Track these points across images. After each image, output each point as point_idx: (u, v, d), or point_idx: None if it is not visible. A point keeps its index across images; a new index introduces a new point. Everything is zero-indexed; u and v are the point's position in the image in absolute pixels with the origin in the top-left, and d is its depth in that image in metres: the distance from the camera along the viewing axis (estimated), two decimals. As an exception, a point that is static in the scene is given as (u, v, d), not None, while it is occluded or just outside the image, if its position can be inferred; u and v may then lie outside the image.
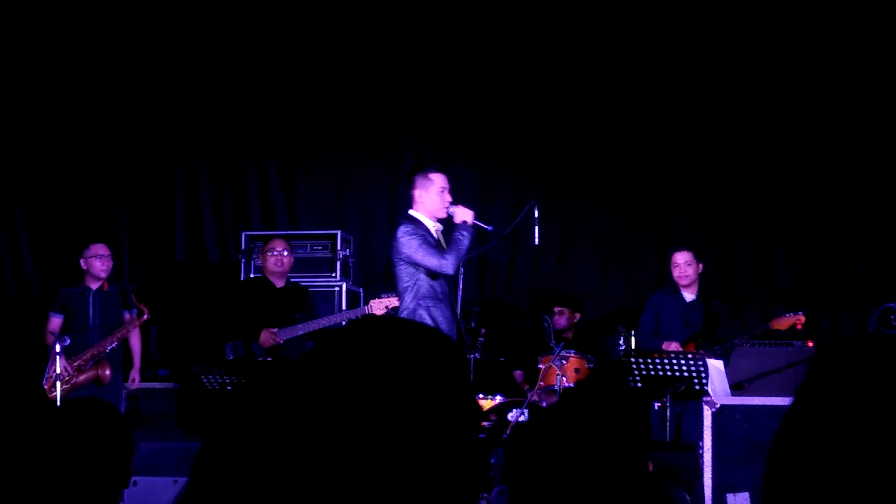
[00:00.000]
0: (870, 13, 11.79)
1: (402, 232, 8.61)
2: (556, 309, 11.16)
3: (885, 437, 1.62)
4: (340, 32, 12.51)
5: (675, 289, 10.14)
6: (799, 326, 9.85)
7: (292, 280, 10.28)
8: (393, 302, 9.57)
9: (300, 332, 9.73)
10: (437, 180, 8.88)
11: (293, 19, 12.57)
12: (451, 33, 12.41)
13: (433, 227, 8.76)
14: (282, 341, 9.75)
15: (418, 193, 8.85)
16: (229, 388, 9.35)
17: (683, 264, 10.04)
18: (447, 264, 8.42)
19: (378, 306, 9.57)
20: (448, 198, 8.81)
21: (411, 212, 8.86)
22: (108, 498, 3.17)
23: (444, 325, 8.52)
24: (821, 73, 11.91)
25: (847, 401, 1.67)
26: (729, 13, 12.06)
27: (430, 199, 8.83)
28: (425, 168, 9.05)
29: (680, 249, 10.17)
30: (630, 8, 12.22)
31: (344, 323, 10.82)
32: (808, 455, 1.68)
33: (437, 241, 8.71)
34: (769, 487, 1.73)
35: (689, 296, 10.08)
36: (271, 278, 10.11)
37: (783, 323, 9.77)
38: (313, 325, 9.72)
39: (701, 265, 10.13)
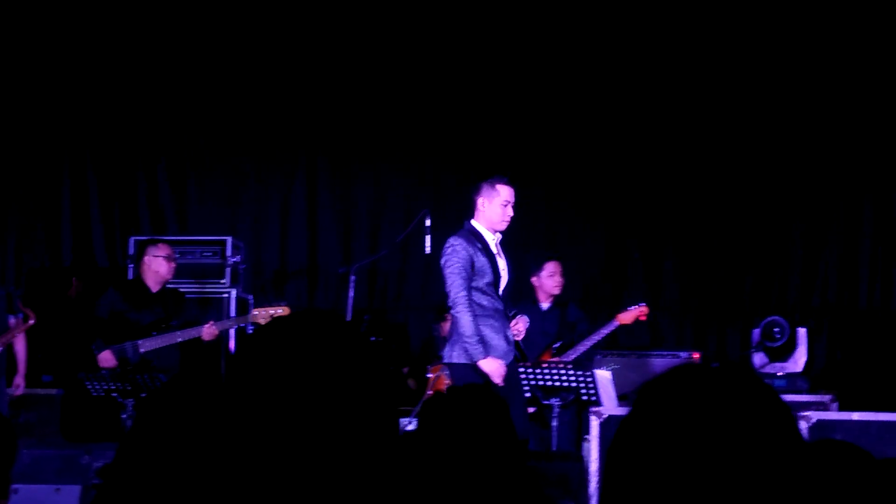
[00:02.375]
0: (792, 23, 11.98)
1: (450, 244, 8.39)
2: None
3: (696, 459, 1.69)
4: (233, 39, 12.43)
5: (533, 300, 10.25)
6: (643, 318, 9.98)
7: (169, 285, 10.17)
8: (279, 312, 9.50)
9: (178, 339, 9.65)
10: (503, 192, 8.59)
11: (185, 25, 12.46)
12: (344, 40, 12.39)
13: (492, 239, 8.55)
14: (115, 365, 9.62)
15: (481, 202, 8.58)
16: (114, 394, 9.24)
17: (559, 273, 10.18)
18: (456, 302, 8.26)
19: (263, 315, 9.50)
20: (510, 212, 8.56)
21: (473, 222, 8.58)
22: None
23: (494, 341, 8.31)
24: (713, 85, 12.07)
25: (664, 422, 1.76)
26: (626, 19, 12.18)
27: (492, 211, 8.56)
28: (494, 177, 8.73)
29: (553, 259, 10.28)
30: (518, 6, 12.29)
31: (231, 330, 10.78)
32: (631, 471, 1.76)
33: (495, 254, 8.56)
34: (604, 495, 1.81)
35: (545, 304, 10.21)
36: (149, 282, 9.99)
37: (628, 317, 9.89)
38: (194, 333, 9.61)
39: None
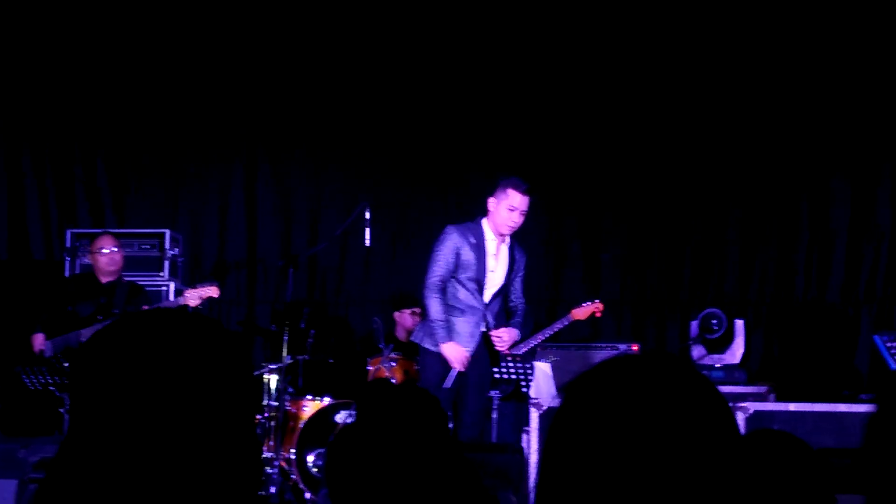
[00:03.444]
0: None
1: (443, 231, 8.78)
2: (410, 311, 11.17)
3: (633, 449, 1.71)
4: (172, 30, 12.36)
5: None
6: (598, 314, 10.02)
7: (126, 279, 10.13)
8: (209, 291, 9.51)
9: None
10: (512, 198, 8.74)
11: (124, 15, 12.36)
12: (283, 32, 12.35)
13: (493, 238, 8.74)
14: (46, 353, 9.60)
15: (492, 202, 8.80)
16: (52, 388, 9.19)
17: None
18: (426, 286, 8.62)
19: (193, 296, 9.51)
20: (515, 219, 8.71)
21: (484, 218, 8.84)
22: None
23: (458, 327, 8.63)
24: (650, 77, 12.13)
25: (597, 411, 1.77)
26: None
27: (498, 213, 8.77)
28: (511, 178, 8.91)
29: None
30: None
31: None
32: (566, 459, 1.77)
33: (488, 253, 8.75)
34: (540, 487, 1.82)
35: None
36: (98, 275, 9.98)
37: (582, 312, 9.92)
38: None
39: None
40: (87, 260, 10.41)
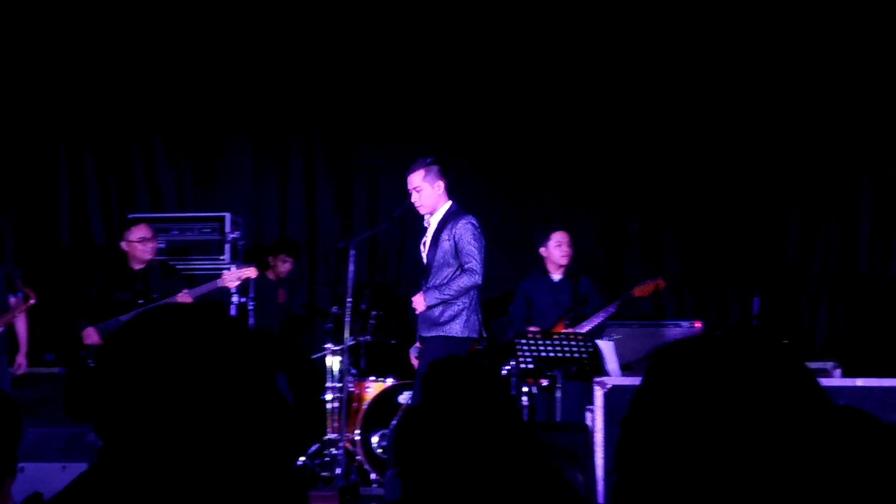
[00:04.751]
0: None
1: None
2: None
3: (706, 428, 1.69)
4: (230, 15, 12.38)
5: (543, 271, 10.21)
6: (660, 290, 9.97)
7: (157, 260, 10.18)
8: (246, 273, 9.54)
9: None
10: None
11: (182, 2, 12.41)
12: (340, 13, 12.35)
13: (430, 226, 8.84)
14: (96, 342, 9.71)
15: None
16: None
17: (566, 244, 10.11)
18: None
19: (231, 278, 9.54)
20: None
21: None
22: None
23: None
24: (700, 57, 12.04)
25: (675, 391, 1.75)
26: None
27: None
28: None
29: (560, 229, 10.21)
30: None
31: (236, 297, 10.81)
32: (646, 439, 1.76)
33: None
34: (619, 463, 1.81)
35: (556, 276, 10.15)
36: (131, 262, 10.03)
37: (645, 289, 9.86)
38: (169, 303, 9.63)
39: None
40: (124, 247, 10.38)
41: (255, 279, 10.39)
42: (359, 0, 12.37)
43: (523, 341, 8.92)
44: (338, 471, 9.36)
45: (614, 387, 8.25)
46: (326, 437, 10.13)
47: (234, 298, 10.89)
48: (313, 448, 10.14)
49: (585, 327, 9.66)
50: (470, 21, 12.26)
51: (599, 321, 9.79)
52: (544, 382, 9.35)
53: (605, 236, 12.23)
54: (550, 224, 10.41)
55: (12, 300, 9.96)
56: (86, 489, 1.96)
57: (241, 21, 12.39)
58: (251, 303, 11.01)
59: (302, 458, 10.01)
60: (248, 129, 12.56)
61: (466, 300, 8.57)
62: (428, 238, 8.79)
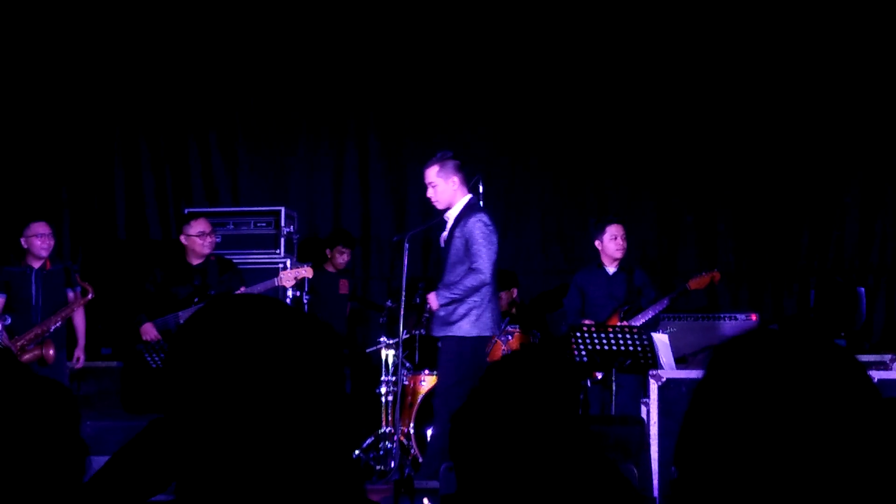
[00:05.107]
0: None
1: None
2: (506, 292, 11.17)
3: (771, 426, 1.69)
4: (284, 11, 12.42)
5: (598, 263, 10.17)
6: (716, 282, 9.90)
7: (215, 255, 10.22)
8: (303, 272, 9.56)
9: None
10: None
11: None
12: (392, 12, 12.36)
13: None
14: (155, 338, 9.75)
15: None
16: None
17: (621, 237, 10.06)
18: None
19: (287, 277, 9.57)
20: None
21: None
22: (72, 472, 3.14)
23: None
24: (758, 51, 11.96)
25: (738, 388, 1.75)
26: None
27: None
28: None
29: (615, 222, 10.17)
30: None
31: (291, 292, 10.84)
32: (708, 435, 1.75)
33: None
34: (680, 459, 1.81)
35: (611, 269, 10.11)
36: (189, 257, 10.08)
37: (700, 282, 9.79)
38: None
39: None
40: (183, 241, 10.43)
41: (315, 273, 10.42)
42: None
43: (578, 334, 8.89)
44: (392, 464, 9.38)
45: (669, 380, 8.23)
46: (381, 431, 10.15)
47: (290, 293, 10.92)
48: (368, 441, 10.16)
49: (640, 320, 9.62)
50: (528, 17, 12.23)
51: (654, 314, 9.75)
52: (599, 375, 9.33)
53: (661, 229, 12.19)
54: (606, 217, 10.36)
55: (70, 295, 10.05)
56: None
57: (299, 16, 12.42)
58: (306, 296, 11.04)
59: (357, 452, 10.03)
60: (304, 124, 12.60)
61: (477, 298, 8.57)
62: (446, 234, 8.80)
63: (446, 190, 8.73)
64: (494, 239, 8.64)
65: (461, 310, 8.56)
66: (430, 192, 8.79)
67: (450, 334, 8.60)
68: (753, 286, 12.14)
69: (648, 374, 8.36)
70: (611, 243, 10.05)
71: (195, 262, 10.07)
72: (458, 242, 8.62)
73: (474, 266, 8.51)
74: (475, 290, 8.53)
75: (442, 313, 8.64)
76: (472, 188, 9.34)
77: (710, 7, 12.03)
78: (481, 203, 9.46)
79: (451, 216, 8.78)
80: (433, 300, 8.66)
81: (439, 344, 8.80)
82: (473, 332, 8.57)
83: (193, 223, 10.15)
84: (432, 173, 8.75)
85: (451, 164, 8.78)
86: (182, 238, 10.17)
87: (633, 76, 12.14)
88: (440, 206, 8.82)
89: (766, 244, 12.08)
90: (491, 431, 3.12)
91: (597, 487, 3.27)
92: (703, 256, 12.03)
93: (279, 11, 12.43)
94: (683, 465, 1.77)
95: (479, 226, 8.55)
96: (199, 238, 10.04)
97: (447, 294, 8.57)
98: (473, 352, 8.63)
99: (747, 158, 12.00)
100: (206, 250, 10.08)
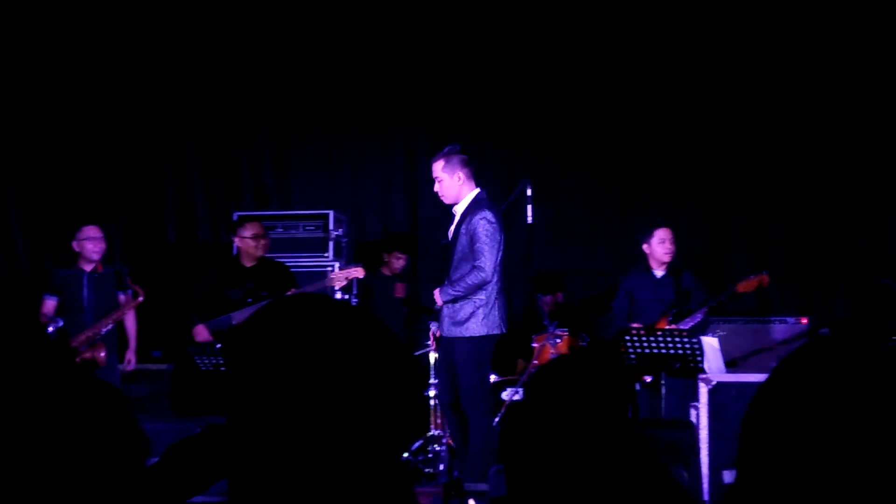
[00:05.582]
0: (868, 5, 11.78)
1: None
2: (551, 295, 11.17)
3: (839, 434, 1.68)
4: (332, 15, 12.47)
5: (646, 267, 10.11)
6: (764, 285, 9.81)
7: (267, 258, 10.27)
8: (354, 273, 9.57)
9: None
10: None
11: (285, 3, 12.52)
12: (441, 15, 12.37)
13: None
14: (206, 339, 9.79)
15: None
16: (223, 368, 9.34)
17: (669, 241, 10.00)
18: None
19: (339, 277, 9.58)
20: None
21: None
22: (131, 470, 3.16)
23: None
24: (813, 52, 11.89)
25: (804, 397, 1.75)
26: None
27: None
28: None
29: (664, 225, 10.11)
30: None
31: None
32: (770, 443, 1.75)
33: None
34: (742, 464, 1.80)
35: (659, 272, 10.05)
36: (242, 259, 10.13)
37: (749, 285, 9.69)
38: None
39: None
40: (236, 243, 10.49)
41: (371, 276, 10.43)
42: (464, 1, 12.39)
43: (627, 337, 8.86)
44: (441, 467, 9.38)
45: (719, 384, 8.19)
46: (430, 434, 10.16)
47: (338, 296, 10.95)
48: (416, 444, 10.17)
49: (688, 323, 9.57)
50: (576, 22, 12.22)
51: (702, 317, 9.69)
52: (647, 379, 9.29)
53: (710, 231, 12.13)
54: (653, 221, 10.31)
55: (121, 297, 10.12)
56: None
57: (348, 21, 12.46)
58: (354, 299, 11.07)
59: (405, 455, 10.05)
60: (353, 127, 12.63)
61: (483, 297, 8.50)
62: (454, 229, 8.73)
63: (452, 185, 8.67)
64: (499, 237, 8.57)
65: (467, 309, 8.49)
66: (436, 187, 8.73)
67: (460, 335, 8.52)
68: (804, 289, 12.06)
69: (698, 377, 8.33)
70: (659, 247, 9.99)
71: (248, 264, 10.12)
72: (463, 239, 8.55)
73: (477, 264, 8.43)
74: (477, 287, 8.45)
75: (448, 312, 8.58)
76: (519, 193, 9.34)
77: (766, 7, 11.96)
78: (529, 207, 9.46)
79: (458, 211, 8.71)
80: (438, 296, 8.62)
81: (449, 344, 8.66)
82: (483, 332, 8.49)
83: (247, 226, 10.19)
84: (438, 168, 8.72)
85: (457, 158, 8.72)
86: (235, 240, 10.23)
87: (684, 79, 12.10)
88: (447, 201, 8.74)
89: (817, 246, 11.99)
90: (542, 434, 3.12)
91: (648, 491, 3.26)
92: (753, 258, 11.96)
93: (329, 18, 12.47)
94: (743, 470, 1.77)
95: (482, 223, 8.47)
96: (252, 241, 10.09)
97: (450, 291, 8.51)
98: (487, 350, 8.59)
99: (797, 159, 11.93)
100: (259, 253, 10.12)
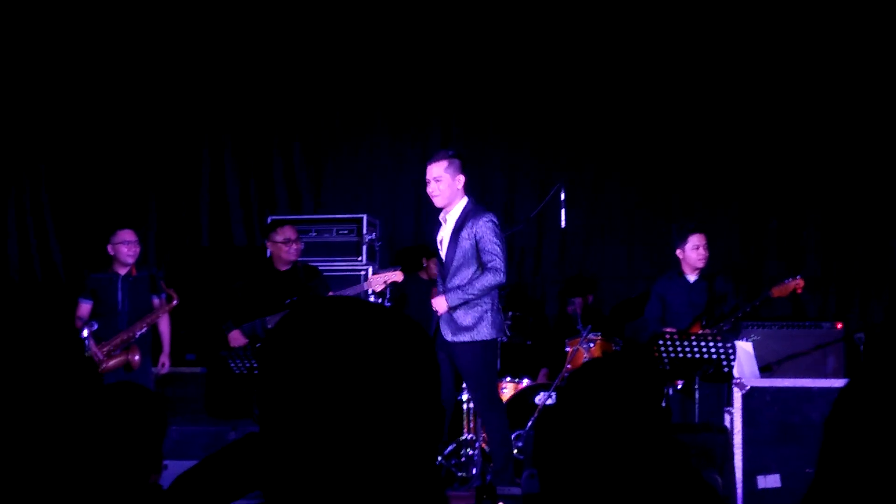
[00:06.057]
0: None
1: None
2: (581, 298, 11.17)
3: None
4: (366, 16, 12.49)
5: (678, 272, 10.07)
6: (799, 290, 9.73)
7: (301, 262, 10.28)
8: (392, 276, 9.55)
9: None
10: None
11: (319, 3, 12.56)
12: (476, 16, 12.38)
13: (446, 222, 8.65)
14: (242, 344, 9.80)
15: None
16: (256, 372, 9.35)
17: (703, 246, 9.96)
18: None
19: (377, 281, 9.57)
20: (430, 189, 8.64)
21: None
22: (140, 481, 3.18)
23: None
24: (851, 54, 11.83)
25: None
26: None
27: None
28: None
29: (698, 231, 10.06)
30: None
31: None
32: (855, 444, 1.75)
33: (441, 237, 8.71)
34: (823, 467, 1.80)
35: (692, 277, 10.00)
36: (277, 263, 10.15)
37: (784, 289, 9.62)
38: None
39: None
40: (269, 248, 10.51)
41: (408, 279, 10.42)
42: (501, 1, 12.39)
43: (661, 342, 8.84)
44: (474, 471, 9.37)
45: (753, 388, 8.17)
46: (463, 438, 10.16)
47: (371, 299, 10.96)
48: (450, 448, 10.17)
49: (724, 328, 9.53)
50: (612, 26, 12.20)
51: (735, 321, 9.65)
52: (679, 384, 9.26)
53: (745, 235, 12.08)
54: (687, 226, 10.26)
55: (156, 301, 10.15)
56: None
57: (382, 24, 12.48)
58: (387, 303, 11.07)
59: (439, 459, 10.04)
60: (387, 131, 12.65)
61: (489, 300, 8.38)
62: (446, 236, 8.58)
63: (451, 187, 8.54)
64: (504, 238, 8.52)
65: (475, 313, 8.35)
66: (431, 187, 8.57)
67: (471, 340, 8.36)
68: (840, 293, 11.99)
69: (732, 382, 8.30)
70: (692, 253, 9.95)
71: (282, 268, 10.13)
72: (465, 244, 8.40)
73: (492, 265, 8.29)
74: (491, 290, 8.34)
75: (455, 316, 8.40)
76: (553, 195, 9.33)
77: (808, 7, 11.91)
78: (563, 211, 9.45)
79: (450, 217, 8.58)
80: (441, 303, 8.42)
81: (453, 350, 8.45)
82: (493, 335, 8.39)
83: (280, 230, 10.21)
84: (439, 168, 8.56)
85: (458, 162, 8.62)
86: (268, 244, 10.25)
87: (720, 82, 12.06)
88: (439, 203, 8.59)
89: (853, 250, 11.92)
90: (575, 438, 3.11)
91: (680, 495, 3.25)
92: (789, 262, 11.90)
93: (365, 21, 12.49)
94: (824, 472, 1.76)
95: (490, 225, 8.37)
96: (284, 245, 10.10)
97: (461, 295, 8.32)
98: (495, 353, 8.53)
99: (833, 162, 11.87)
100: (292, 257, 10.13)
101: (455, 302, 8.34)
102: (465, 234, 8.41)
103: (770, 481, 8.29)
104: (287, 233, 10.16)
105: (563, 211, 9.53)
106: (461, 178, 8.58)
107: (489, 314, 8.37)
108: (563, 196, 9.56)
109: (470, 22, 12.38)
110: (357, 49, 12.54)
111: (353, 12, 12.52)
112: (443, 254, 8.59)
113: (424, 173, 8.58)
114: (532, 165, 12.41)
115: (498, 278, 8.28)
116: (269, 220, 11.54)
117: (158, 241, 12.64)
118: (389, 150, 12.71)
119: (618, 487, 3.02)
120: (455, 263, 8.44)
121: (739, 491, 7.93)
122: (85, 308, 10.04)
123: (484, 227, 8.35)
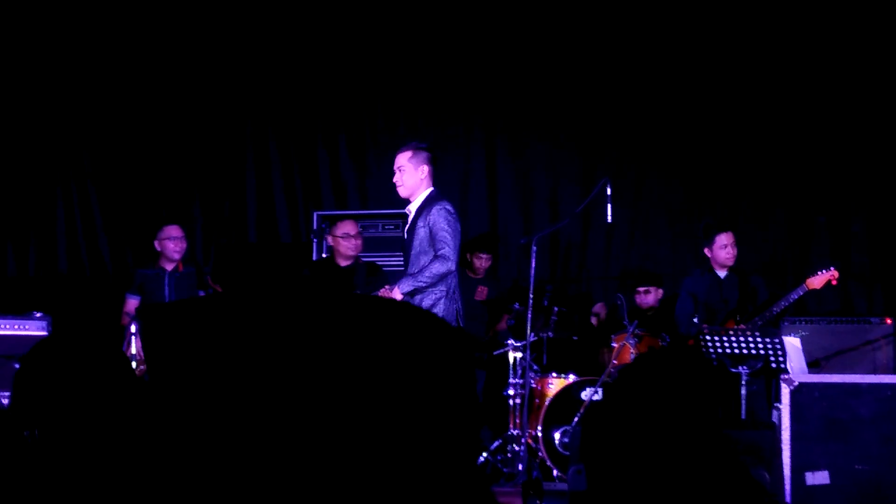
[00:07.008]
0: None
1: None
2: (642, 289, 11.11)
3: None
4: (412, 17, 12.49)
5: (707, 269, 10.05)
6: (833, 282, 9.69)
7: (363, 259, 10.29)
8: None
9: None
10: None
11: (362, 4, 12.57)
12: (521, 17, 12.35)
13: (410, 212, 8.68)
14: None
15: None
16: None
17: (731, 245, 9.95)
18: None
19: None
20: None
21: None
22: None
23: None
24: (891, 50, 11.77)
25: None
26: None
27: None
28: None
29: (726, 230, 10.05)
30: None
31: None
32: None
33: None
34: None
35: (722, 272, 9.98)
36: (338, 259, 10.16)
37: (817, 281, 9.60)
38: None
39: None
40: (329, 243, 10.55)
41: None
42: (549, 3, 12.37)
43: (708, 338, 8.80)
44: (520, 467, 9.36)
45: (801, 384, 8.11)
46: (509, 434, 10.14)
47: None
48: (496, 444, 10.16)
49: (757, 323, 9.50)
50: (654, 26, 12.16)
51: (772, 315, 9.61)
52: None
53: (792, 231, 12.00)
54: (714, 225, 10.25)
55: (202, 296, 10.20)
56: None
57: (426, 18, 12.47)
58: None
59: (484, 455, 10.03)
60: (431, 126, 12.63)
61: (444, 288, 8.38)
62: (408, 225, 8.66)
63: (413, 177, 8.62)
64: (458, 227, 8.51)
65: (426, 302, 8.29)
66: (396, 177, 8.69)
67: None
68: (889, 288, 11.89)
69: (780, 378, 8.25)
70: (720, 252, 9.96)
71: (343, 263, 10.15)
72: (421, 232, 8.45)
73: (441, 253, 8.32)
74: (442, 277, 8.33)
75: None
76: (599, 192, 9.29)
77: (850, 4, 11.84)
78: (609, 206, 9.39)
79: (412, 208, 8.64)
80: (395, 291, 8.40)
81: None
82: None
83: (339, 224, 10.23)
84: (404, 158, 8.69)
85: (424, 154, 8.71)
86: (328, 239, 10.29)
87: (765, 80, 11.99)
88: (403, 193, 8.68)
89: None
90: (624, 434, 3.10)
91: (728, 491, 3.23)
92: (837, 258, 11.81)
93: (408, 19, 12.49)
94: None
95: (443, 213, 8.40)
96: (342, 239, 10.12)
97: (412, 283, 8.32)
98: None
99: (881, 157, 11.78)
100: (351, 252, 10.15)
101: (406, 288, 8.36)
102: (421, 222, 8.49)
103: (818, 478, 8.23)
104: (346, 227, 10.18)
105: (608, 206, 9.47)
106: (425, 169, 8.67)
107: (442, 301, 8.39)
108: (608, 192, 9.50)
109: (516, 22, 12.36)
110: (402, 46, 12.53)
111: (397, 13, 12.51)
112: (406, 244, 8.69)
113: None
114: (577, 162, 12.37)
115: (447, 266, 8.32)
116: (314, 215, 11.58)
117: (205, 236, 12.68)
118: (434, 145, 12.63)
119: (666, 484, 3.01)
120: (413, 251, 8.52)
121: (788, 487, 7.89)
122: (132, 304, 10.11)
123: (437, 215, 8.42)
